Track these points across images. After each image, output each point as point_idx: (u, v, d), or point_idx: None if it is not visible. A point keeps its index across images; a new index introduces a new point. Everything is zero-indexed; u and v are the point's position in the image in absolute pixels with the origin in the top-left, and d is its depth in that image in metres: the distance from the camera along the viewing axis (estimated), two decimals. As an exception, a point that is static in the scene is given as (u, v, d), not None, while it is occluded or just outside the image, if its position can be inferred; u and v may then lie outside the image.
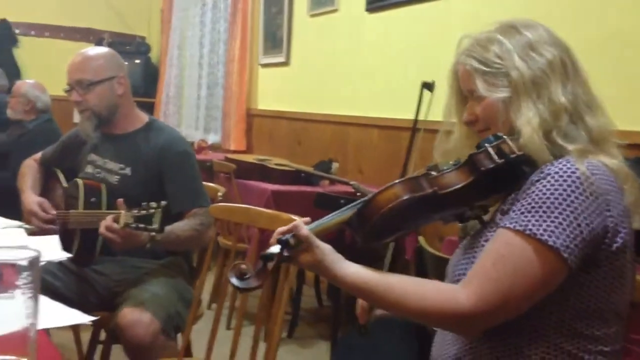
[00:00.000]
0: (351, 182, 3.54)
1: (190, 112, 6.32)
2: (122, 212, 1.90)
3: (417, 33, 3.71)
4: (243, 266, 1.21)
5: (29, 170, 2.47)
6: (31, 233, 1.96)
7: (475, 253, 1.19)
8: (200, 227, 2.15)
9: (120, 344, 1.93)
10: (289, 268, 1.77)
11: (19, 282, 0.77)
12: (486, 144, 1.16)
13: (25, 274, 0.77)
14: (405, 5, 3.74)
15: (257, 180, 3.65)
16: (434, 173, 1.19)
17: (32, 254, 0.79)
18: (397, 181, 1.18)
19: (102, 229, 1.92)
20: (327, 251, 1.18)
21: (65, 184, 2.35)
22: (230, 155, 4.23)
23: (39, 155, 2.54)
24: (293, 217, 1.82)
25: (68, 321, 1.24)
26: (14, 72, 6.54)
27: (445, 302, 1.10)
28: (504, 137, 1.16)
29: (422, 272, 2.16)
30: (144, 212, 1.88)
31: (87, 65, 2.25)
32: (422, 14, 3.65)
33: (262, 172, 3.73)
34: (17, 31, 6.69)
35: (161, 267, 2.19)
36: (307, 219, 1.25)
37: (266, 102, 5.31)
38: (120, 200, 1.94)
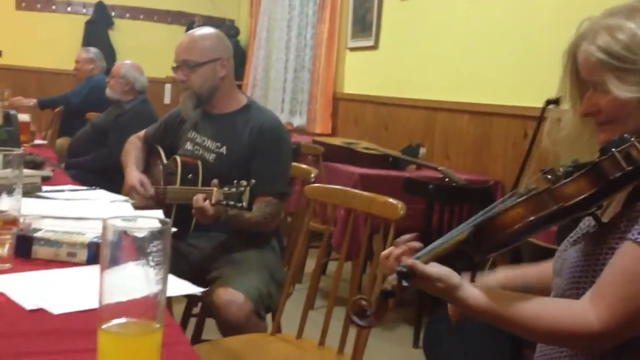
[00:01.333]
0: (439, 168, 3.50)
1: (276, 95, 6.39)
2: (215, 189, 1.97)
3: (511, 14, 3.61)
4: (363, 302, 1.17)
5: (133, 147, 2.57)
6: (136, 207, 2.05)
7: (598, 261, 1.12)
8: (269, 216, 2.20)
9: (215, 320, 2.00)
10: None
11: (151, 249, 0.80)
12: (613, 149, 1.06)
13: (156, 242, 0.80)
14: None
15: (344, 164, 3.66)
16: (550, 177, 1.11)
17: (164, 222, 0.82)
18: (519, 201, 1.11)
19: (195, 205, 2.00)
20: (444, 278, 1.13)
21: (165, 161, 2.44)
22: (317, 138, 4.26)
23: (142, 132, 2.64)
24: (390, 200, 1.83)
25: (181, 291, 1.29)
26: (109, 54, 6.79)
27: (576, 324, 1.07)
28: (632, 140, 1.06)
29: (516, 259, 2.11)
30: (234, 189, 1.95)
31: (193, 47, 2.32)
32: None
33: (350, 155, 3.74)
34: (112, 14, 6.95)
35: (253, 245, 2.24)
36: (414, 241, 1.20)
37: (353, 86, 5.31)
38: (215, 181, 2.01)
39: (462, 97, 3.95)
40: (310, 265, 3.35)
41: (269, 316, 2.14)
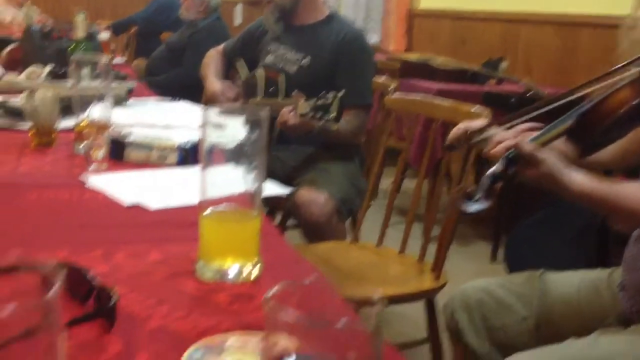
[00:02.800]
0: (522, 81, 3.38)
1: (349, 13, 6.25)
2: (301, 101, 1.95)
3: None
4: (469, 189, 1.18)
5: (212, 60, 2.58)
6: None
7: None
8: (356, 128, 2.19)
9: (297, 220, 2.03)
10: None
11: (247, 149, 0.82)
12: None
13: (252, 141, 0.81)
14: None
15: (422, 79, 3.59)
16: None
17: (261, 116, 0.83)
18: (621, 85, 1.08)
19: (280, 119, 2.00)
20: (552, 162, 1.12)
21: (246, 74, 2.44)
22: (393, 54, 4.17)
23: (221, 46, 2.64)
24: (474, 107, 1.78)
25: (270, 191, 1.31)
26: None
27: None
28: None
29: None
30: (322, 101, 1.92)
31: None
32: None
33: (427, 71, 3.66)
34: None
35: (335, 157, 2.25)
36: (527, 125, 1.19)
37: (428, 1, 5.13)
38: (298, 92, 1.99)
39: (546, 7, 3.76)
40: (385, 183, 3.36)
41: (348, 229, 2.18)
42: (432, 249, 1.77)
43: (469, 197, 1.16)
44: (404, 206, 3.46)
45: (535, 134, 1.20)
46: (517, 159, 1.13)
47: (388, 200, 1.98)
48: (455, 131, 1.29)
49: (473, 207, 1.16)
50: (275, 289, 0.44)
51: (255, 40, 2.46)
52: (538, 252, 1.99)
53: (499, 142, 1.18)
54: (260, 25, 2.42)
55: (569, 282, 1.33)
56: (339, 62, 2.22)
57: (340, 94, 1.90)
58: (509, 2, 4.08)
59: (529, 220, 2.30)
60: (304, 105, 1.94)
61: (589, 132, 1.13)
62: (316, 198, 1.96)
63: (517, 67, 3.97)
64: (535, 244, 2.06)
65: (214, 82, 2.43)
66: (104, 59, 1.44)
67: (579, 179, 1.13)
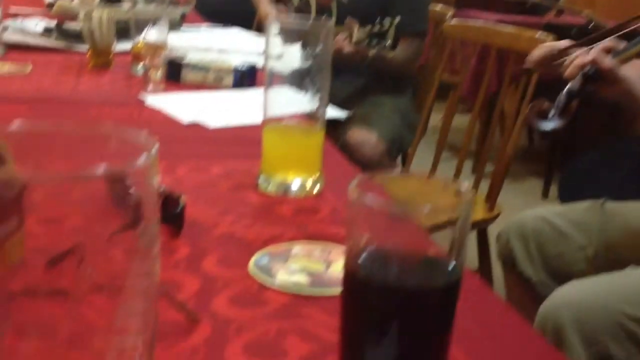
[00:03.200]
0: (584, 12, 3.24)
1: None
2: (355, 28, 1.91)
3: None
4: (544, 106, 1.14)
5: None
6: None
7: None
8: (412, 58, 2.14)
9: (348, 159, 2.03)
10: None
11: (310, 71, 0.81)
12: None
13: (315, 62, 0.81)
14: None
15: (479, 10, 3.47)
16: None
17: (324, 25, 0.82)
18: None
19: (334, 46, 1.96)
20: (633, 80, 1.08)
21: (296, 2, 2.39)
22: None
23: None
24: (537, 34, 1.71)
25: (328, 114, 1.29)
26: None
27: None
28: None
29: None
30: (377, 27, 1.88)
31: None
32: None
33: (484, 0, 3.54)
34: None
35: (387, 89, 2.21)
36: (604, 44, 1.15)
37: None
38: (351, 19, 1.94)
39: None
40: (436, 118, 3.31)
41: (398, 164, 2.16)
42: (484, 185, 1.74)
43: (544, 116, 1.13)
44: (453, 143, 3.42)
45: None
46: (595, 76, 1.09)
47: (439, 135, 1.95)
48: (538, 51, 1.23)
49: (548, 125, 1.12)
50: (359, 177, 0.43)
51: None
52: (596, 186, 1.94)
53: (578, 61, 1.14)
54: None
55: (632, 212, 1.30)
56: None
57: (396, 21, 1.85)
58: None
59: (587, 155, 2.24)
60: (359, 32, 1.89)
61: None
62: (367, 139, 1.94)
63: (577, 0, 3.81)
64: (593, 178, 2.01)
65: (267, 7, 2.40)
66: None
67: None
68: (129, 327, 0.37)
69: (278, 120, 0.83)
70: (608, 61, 1.08)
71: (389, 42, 1.85)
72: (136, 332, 0.37)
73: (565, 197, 2.09)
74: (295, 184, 0.82)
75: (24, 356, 0.35)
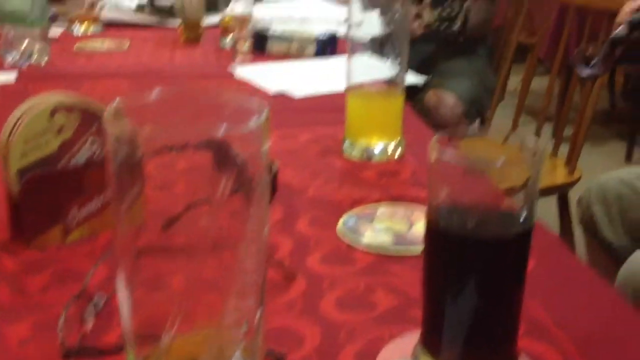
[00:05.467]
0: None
1: None
2: (427, 8, 1.91)
3: None
4: (588, 53, 1.14)
5: None
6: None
7: None
8: (483, 21, 2.12)
9: (426, 120, 2.06)
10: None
11: (388, 38, 0.86)
12: None
13: (394, 29, 0.85)
14: None
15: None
16: None
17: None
18: None
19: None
20: None
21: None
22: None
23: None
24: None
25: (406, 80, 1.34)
26: None
27: None
28: None
29: None
30: (446, 12, 1.87)
31: None
32: None
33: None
34: None
35: (461, 53, 2.20)
36: None
37: None
38: (426, 1, 1.94)
39: None
40: (513, 81, 3.26)
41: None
42: (565, 149, 1.74)
43: (587, 62, 1.13)
44: (533, 105, 3.36)
45: None
46: None
47: (518, 98, 1.95)
48: (625, 11, 1.20)
49: (585, 72, 1.12)
50: (438, 136, 0.47)
51: None
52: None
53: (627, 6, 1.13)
54: None
55: None
56: None
57: (467, 4, 1.84)
58: None
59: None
60: (430, 15, 1.90)
61: None
62: (445, 100, 1.96)
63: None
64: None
65: None
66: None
67: None
68: (241, 283, 0.40)
69: (360, 87, 0.88)
70: None
71: (457, 25, 1.85)
72: (249, 286, 0.41)
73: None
74: (377, 148, 0.88)
75: (153, 305, 0.40)
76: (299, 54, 1.44)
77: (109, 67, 1.35)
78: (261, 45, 1.46)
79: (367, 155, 0.88)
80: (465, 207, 0.46)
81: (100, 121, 0.67)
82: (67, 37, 1.57)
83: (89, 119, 0.65)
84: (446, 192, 0.46)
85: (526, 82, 2.01)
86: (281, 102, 1.14)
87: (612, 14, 1.64)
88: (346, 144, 0.90)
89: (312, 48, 1.44)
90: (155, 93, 0.44)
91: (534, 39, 3.02)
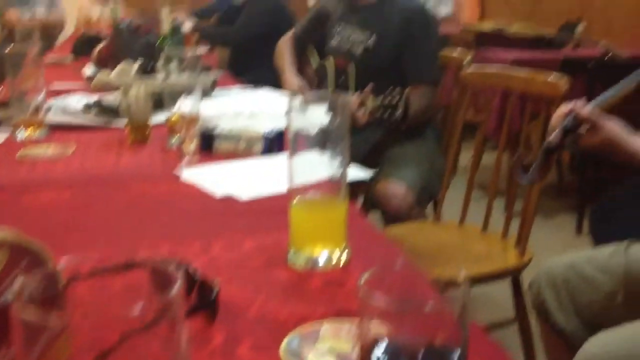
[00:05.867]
0: (600, 43, 3.27)
1: (421, -16, 6.17)
2: (370, 97, 1.97)
3: None
4: (526, 160, 1.18)
5: (286, 50, 2.63)
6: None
7: None
8: (425, 107, 2.19)
9: (378, 211, 2.08)
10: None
11: (331, 136, 0.86)
12: None
13: (335, 129, 0.86)
14: None
15: (496, 49, 3.53)
16: None
17: (344, 101, 0.87)
18: None
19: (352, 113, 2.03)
20: (615, 128, 1.10)
21: (316, 62, 2.48)
22: (466, 26, 4.11)
23: (291, 33, 2.69)
24: (550, 76, 1.76)
25: (351, 176, 1.35)
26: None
27: None
28: None
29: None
30: (388, 99, 1.93)
31: None
32: None
33: (501, 39, 3.60)
34: None
35: (409, 138, 2.25)
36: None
37: (502, -35, 5.00)
38: (369, 89, 2.01)
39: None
40: (464, 158, 3.33)
41: (429, 207, 2.20)
42: (515, 223, 1.77)
43: (525, 169, 1.16)
44: (485, 181, 3.43)
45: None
46: (574, 126, 1.10)
47: (469, 175, 1.99)
48: (555, 121, 1.21)
49: (525, 179, 1.15)
50: (366, 275, 0.48)
51: (321, 23, 2.48)
52: (625, 224, 1.95)
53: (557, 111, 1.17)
54: (326, 8, 2.44)
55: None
56: (405, 39, 2.22)
57: (406, 92, 1.90)
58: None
59: (614, 191, 2.25)
60: (372, 102, 1.96)
61: None
62: (396, 191, 1.99)
63: (594, 29, 3.84)
64: (622, 216, 2.02)
65: (291, 79, 2.47)
66: (191, 52, 1.52)
67: None
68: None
69: (303, 190, 0.88)
70: (585, 109, 1.10)
71: (399, 112, 1.90)
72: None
73: (595, 237, 2.10)
74: (322, 257, 0.88)
75: None
76: (246, 152, 1.45)
77: (52, 175, 1.33)
78: (208, 144, 1.46)
79: (312, 264, 0.87)
80: (397, 346, 0.46)
81: (30, 257, 0.66)
82: (11, 144, 1.55)
83: (19, 255, 0.63)
84: (376, 331, 0.46)
85: (475, 159, 2.05)
86: (227, 206, 1.14)
87: (550, 99, 1.72)
88: (290, 253, 0.89)
89: (259, 146, 1.45)
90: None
91: (481, 116, 3.12)
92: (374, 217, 2.16)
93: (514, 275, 1.73)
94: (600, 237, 2.06)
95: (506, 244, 1.81)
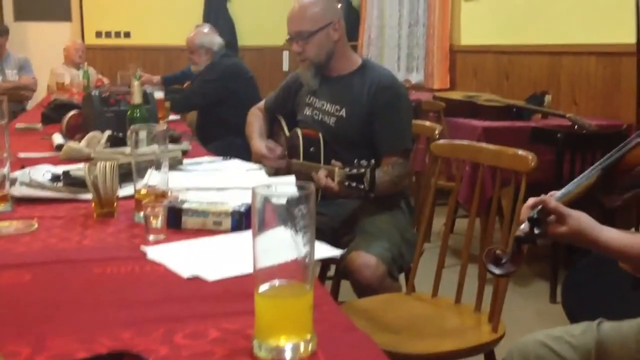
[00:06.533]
0: (568, 115, 3.36)
1: (392, 52, 6.33)
2: (337, 168, 1.98)
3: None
4: (498, 251, 1.18)
5: (255, 118, 2.65)
6: (270, 174, 2.14)
7: None
8: (397, 179, 2.20)
9: (350, 282, 2.06)
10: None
11: (297, 214, 0.84)
12: None
13: (302, 206, 0.84)
14: None
15: (467, 118, 3.60)
16: None
17: (307, 187, 0.86)
18: None
19: (318, 184, 2.03)
20: (582, 218, 1.13)
21: (287, 133, 2.50)
22: (437, 94, 4.20)
23: (262, 103, 2.71)
24: (519, 152, 1.78)
25: (320, 254, 1.34)
26: (229, 25, 7.00)
27: None
28: None
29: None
30: (355, 170, 1.94)
31: (304, 16, 2.32)
32: None
33: (472, 108, 3.67)
34: (230, -14, 7.13)
35: (382, 209, 2.25)
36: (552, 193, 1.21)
37: (470, 36, 5.15)
38: (337, 163, 2.02)
39: (588, 39, 3.74)
40: (437, 223, 3.34)
41: (402, 276, 2.18)
42: (489, 291, 1.76)
43: (497, 259, 1.17)
44: (458, 247, 3.44)
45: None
46: (542, 218, 1.13)
47: (441, 243, 1.98)
48: (524, 215, 1.21)
49: (497, 271, 1.16)
50: None
51: (293, 94, 2.51)
52: (596, 297, 1.96)
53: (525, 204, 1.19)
54: (297, 80, 2.48)
55: (627, 332, 1.32)
56: (375, 110, 2.25)
57: (371, 164, 1.91)
58: (551, 35, 4.08)
59: (585, 260, 2.27)
60: (340, 173, 1.97)
61: (615, 183, 1.13)
62: (367, 263, 1.98)
63: (561, 99, 3.95)
64: (592, 288, 2.03)
65: (259, 144, 2.48)
66: (161, 122, 1.52)
67: (612, 235, 1.13)
68: None
69: (268, 273, 0.85)
70: (551, 202, 1.13)
71: (366, 184, 1.91)
72: None
73: (567, 308, 2.10)
74: (288, 348, 0.85)
75: None
76: (215, 229, 1.43)
77: (14, 254, 1.29)
78: (176, 220, 1.44)
79: (277, 354, 0.85)
80: None
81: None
82: (-28, 219, 1.51)
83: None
84: None
85: (447, 227, 2.06)
86: (194, 288, 1.11)
87: (518, 173, 1.74)
88: (255, 344, 0.86)
89: (228, 222, 1.44)
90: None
91: (453, 183, 3.14)
92: (347, 287, 2.15)
93: (488, 351, 1.71)
94: (572, 312, 2.06)
95: (479, 317, 1.79)
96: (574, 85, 3.89)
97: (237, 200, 1.51)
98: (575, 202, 1.17)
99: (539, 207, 1.14)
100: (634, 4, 3.41)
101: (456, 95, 4.03)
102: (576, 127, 3.23)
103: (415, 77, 5.91)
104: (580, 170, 2.98)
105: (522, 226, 1.16)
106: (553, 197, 1.18)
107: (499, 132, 3.30)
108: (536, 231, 1.13)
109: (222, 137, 3.91)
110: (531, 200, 1.17)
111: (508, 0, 4.59)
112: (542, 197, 1.15)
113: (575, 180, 1.19)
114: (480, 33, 5.00)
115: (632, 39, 3.39)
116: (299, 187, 0.85)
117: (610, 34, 3.57)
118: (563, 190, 1.19)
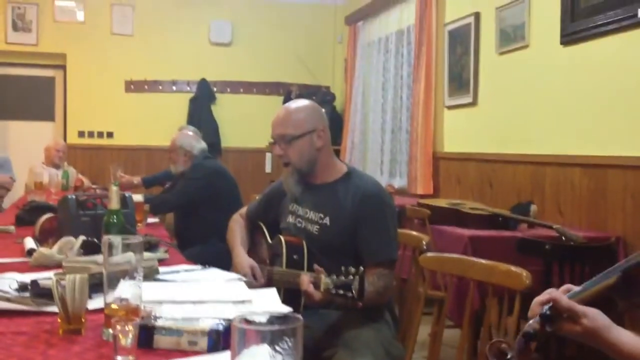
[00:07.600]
0: (555, 226, 3.32)
1: (375, 157, 6.39)
2: (322, 276, 1.91)
3: (619, 58, 3.45)
4: (503, 345, 1.12)
5: (237, 226, 2.58)
6: (250, 286, 2.04)
7: None
8: (382, 289, 2.13)
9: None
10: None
11: (281, 346, 0.78)
12: None
13: (286, 338, 0.78)
14: (606, 35, 3.51)
15: (451, 225, 3.55)
16: None
17: (296, 318, 0.80)
18: None
19: (304, 291, 1.95)
20: (596, 318, 1.08)
21: (269, 240, 2.42)
22: (421, 200, 4.18)
23: (244, 209, 2.66)
24: (512, 268, 1.72)
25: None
26: (213, 127, 7.07)
27: None
28: None
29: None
30: (342, 278, 1.87)
31: (288, 120, 2.30)
32: (625, 44, 3.39)
33: (457, 216, 3.63)
34: (214, 89, 7.26)
35: (366, 321, 2.16)
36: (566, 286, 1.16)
37: (453, 144, 5.21)
38: (319, 268, 1.96)
39: (572, 150, 3.78)
40: (422, 331, 3.22)
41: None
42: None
43: (502, 354, 1.10)
44: (445, 357, 3.31)
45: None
46: (554, 315, 1.08)
47: (428, 352, 1.88)
48: (533, 311, 1.18)
49: None
50: None
51: (276, 202, 2.46)
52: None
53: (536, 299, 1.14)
54: (280, 188, 2.43)
55: None
56: (360, 219, 2.20)
57: (360, 271, 1.84)
58: (535, 145, 4.13)
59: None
60: (325, 282, 1.89)
61: (632, 290, 1.08)
62: None
63: (546, 208, 3.94)
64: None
65: (242, 260, 2.40)
66: (135, 238, 1.44)
67: (628, 338, 1.07)
68: None
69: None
70: (564, 300, 1.08)
71: (352, 292, 1.83)
72: None
73: None
74: None
75: None
76: (190, 349, 1.33)
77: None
78: (147, 339, 1.34)
79: None
80: None
81: None
82: None
83: None
84: None
85: (434, 336, 1.95)
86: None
87: (512, 290, 1.67)
88: None
89: (204, 342, 1.33)
90: None
91: (439, 292, 3.06)
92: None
93: None
94: None
95: None
96: (559, 195, 3.89)
97: (215, 313, 1.42)
98: (590, 302, 1.12)
99: (550, 304, 1.08)
100: (617, 115, 3.47)
101: (441, 202, 4.01)
102: (564, 238, 3.20)
103: (399, 182, 5.93)
104: (570, 282, 2.91)
105: (532, 322, 1.11)
106: (568, 294, 1.12)
107: (485, 241, 3.25)
108: (548, 328, 1.09)
109: (202, 240, 3.83)
110: (542, 296, 1.11)
111: (490, 110, 4.68)
112: (553, 294, 1.09)
113: (594, 278, 1.15)
114: (462, 141, 5.06)
115: (618, 152, 3.43)
116: (285, 319, 0.78)
117: (595, 146, 3.61)
118: (580, 288, 1.14)
